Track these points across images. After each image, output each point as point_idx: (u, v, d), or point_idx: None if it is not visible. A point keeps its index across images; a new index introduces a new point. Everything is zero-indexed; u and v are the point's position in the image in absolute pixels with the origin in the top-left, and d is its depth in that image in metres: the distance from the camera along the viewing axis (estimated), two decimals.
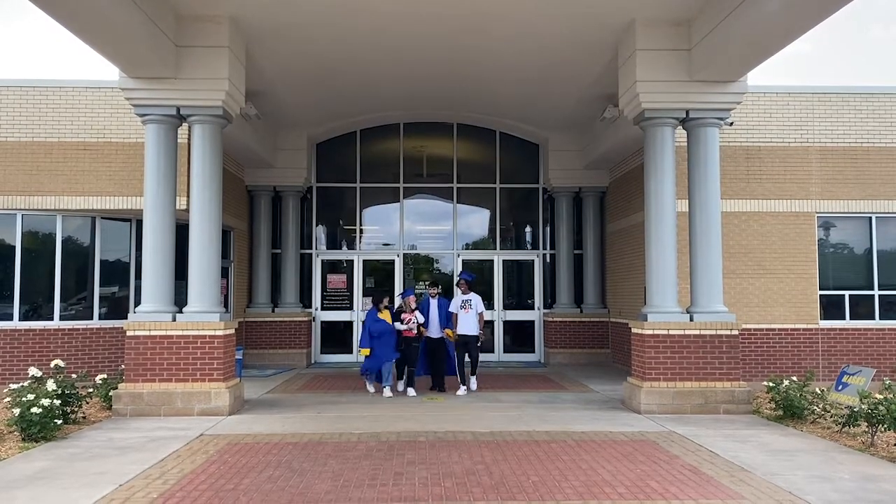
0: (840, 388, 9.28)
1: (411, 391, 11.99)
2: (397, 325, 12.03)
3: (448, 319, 12.29)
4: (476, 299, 12.34)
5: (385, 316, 12.08)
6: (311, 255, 17.60)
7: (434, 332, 12.30)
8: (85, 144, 12.89)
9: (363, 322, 12.86)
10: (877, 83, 25.97)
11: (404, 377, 12.21)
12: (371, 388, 12.29)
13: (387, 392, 11.84)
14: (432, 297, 12.47)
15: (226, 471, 7.06)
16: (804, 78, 43.57)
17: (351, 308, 17.40)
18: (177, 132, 10.91)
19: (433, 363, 12.42)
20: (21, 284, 12.86)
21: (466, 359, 12.50)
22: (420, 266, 17.87)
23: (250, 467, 7.20)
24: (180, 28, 10.43)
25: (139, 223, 12.80)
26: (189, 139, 11.16)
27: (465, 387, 12.17)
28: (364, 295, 17.21)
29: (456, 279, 13.62)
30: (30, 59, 45.39)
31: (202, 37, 10.43)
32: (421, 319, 12.21)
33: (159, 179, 10.57)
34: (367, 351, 12.02)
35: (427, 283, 13.19)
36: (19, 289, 12.84)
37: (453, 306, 12.35)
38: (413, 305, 12.27)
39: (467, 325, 12.22)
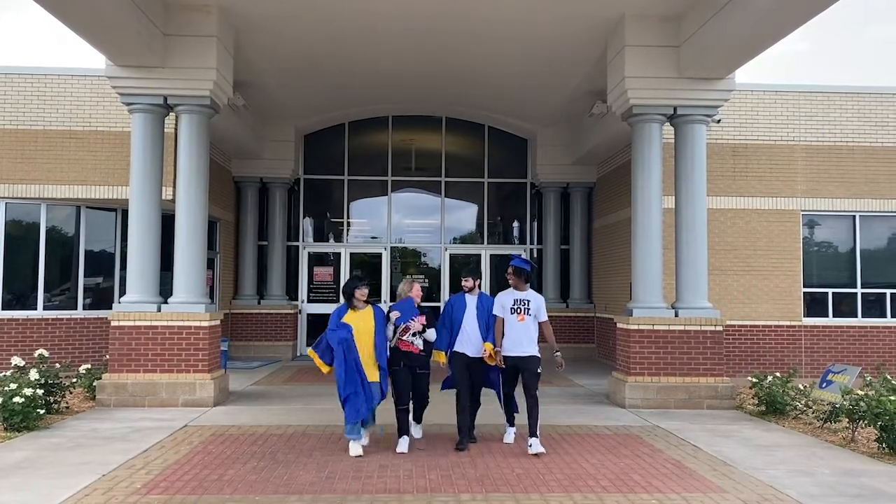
0: (824, 385, 9.37)
1: (416, 430, 8.00)
2: (388, 327, 7.62)
3: (488, 328, 7.90)
4: (537, 301, 7.87)
5: (361, 318, 7.46)
6: (297, 247, 17.56)
7: (468, 346, 7.84)
8: (70, 133, 12.78)
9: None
10: (872, 82, 26.13)
11: (403, 416, 7.67)
12: (355, 450, 7.33)
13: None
14: (468, 292, 8.04)
15: (210, 461, 7.04)
16: (799, 77, 43.84)
17: (338, 301, 17.36)
18: (164, 121, 10.83)
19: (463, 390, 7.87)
20: (4, 273, 12.74)
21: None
22: (407, 259, 17.87)
23: (235, 458, 7.18)
24: (168, 17, 10.35)
25: (125, 213, 12.70)
26: (176, 129, 11.08)
27: (513, 428, 8.09)
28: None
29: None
30: (17, 52, 44.93)
31: (190, 26, 10.36)
32: (431, 336, 7.78)
33: (145, 169, 10.50)
34: (324, 367, 7.52)
35: (461, 275, 8.23)
36: (2, 278, 12.72)
37: (498, 308, 7.87)
38: (408, 312, 7.67)
39: (521, 339, 7.73)
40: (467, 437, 7.83)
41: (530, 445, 7.50)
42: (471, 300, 7.99)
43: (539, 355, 7.80)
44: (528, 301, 7.82)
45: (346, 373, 7.27)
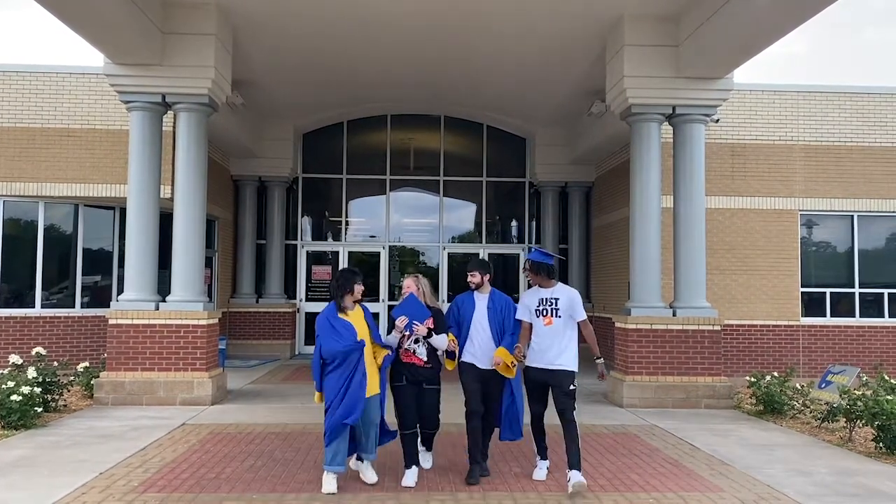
0: (823, 385, 9.38)
1: (426, 459, 6.79)
2: (390, 337, 6.29)
3: (502, 334, 6.46)
4: (568, 297, 6.36)
5: (353, 319, 6.14)
6: (296, 246, 17.55)
7: (478, 356, 6.45)
8: (69, 131, 12.76)
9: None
10: (870, 84, 26.05)
11: (409, 441, 6.39)
12: (330, 485, 6.00)
13: (367, 474, 6.33)
14: (476, 289, 6.59)
15: (208, 460, 7.04)
16: (797, 79, 43.86)
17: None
18: (162, 120, 10.82)
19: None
20: (2, 271, 12.73)
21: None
22: (406, 258, 17.87)
23: (232, 456, 7.18)
24: (167, 15, 10.34)
25: (123, 211, 12.70)
26: (174, 127, 11.06)
27: (545, 461, 6.63)
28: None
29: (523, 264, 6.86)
30: (15, 48, 44.90)
31: (189, 24, 10.35)
32: (439, 343, 6.31)
33: (144, 167, 10.49)
34: (320, 396, 6.35)
35: (467, 269, 6.72)
36: (0, 276, 12.71)
37: (522, 311, 6.44)
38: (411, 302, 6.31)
39: (549, 348, 6.27)
40: (479, 466, 6.48)
41: (569, 480, 6.02)
42: (480, 299, 6.53)
43: (573, 369, 6.25)
44: (557, 299, 6.29)
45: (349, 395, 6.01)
